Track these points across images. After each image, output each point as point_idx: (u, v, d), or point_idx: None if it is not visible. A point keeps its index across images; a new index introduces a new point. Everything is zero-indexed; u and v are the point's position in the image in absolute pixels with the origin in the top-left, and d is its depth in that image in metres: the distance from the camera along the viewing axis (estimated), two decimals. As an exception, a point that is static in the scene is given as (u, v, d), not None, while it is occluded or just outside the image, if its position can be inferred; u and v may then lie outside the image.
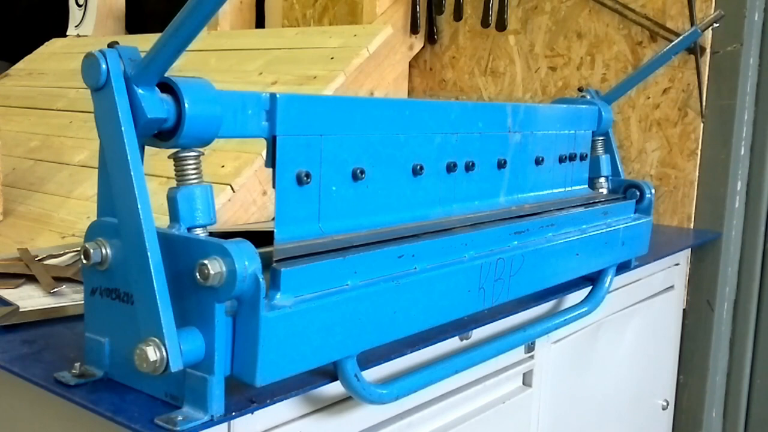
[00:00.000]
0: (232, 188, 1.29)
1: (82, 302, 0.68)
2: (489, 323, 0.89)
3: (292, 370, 0.62)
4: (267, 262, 0.60)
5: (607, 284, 1.08)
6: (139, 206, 0.57)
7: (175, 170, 0.62)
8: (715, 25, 1.29)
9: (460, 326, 0.84)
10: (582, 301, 1.06)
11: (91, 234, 0.64)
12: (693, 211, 1.51)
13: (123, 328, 0.63)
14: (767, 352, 1.52)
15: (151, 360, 0.55)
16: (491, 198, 0.95)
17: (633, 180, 1.19)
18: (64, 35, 2.52)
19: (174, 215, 0.61)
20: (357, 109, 0.75)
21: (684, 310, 1.53)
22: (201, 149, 0.63)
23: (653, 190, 1.17)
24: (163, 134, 0.61)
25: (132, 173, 0.58)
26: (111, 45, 0.60)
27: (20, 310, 0.81)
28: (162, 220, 0.61)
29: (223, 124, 0.62)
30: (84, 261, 0.63)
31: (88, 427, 0.66)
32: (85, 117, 1.81)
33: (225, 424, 0.62)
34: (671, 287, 1.43)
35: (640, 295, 1.32)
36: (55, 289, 0.88)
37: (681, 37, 1.23)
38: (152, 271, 0.57)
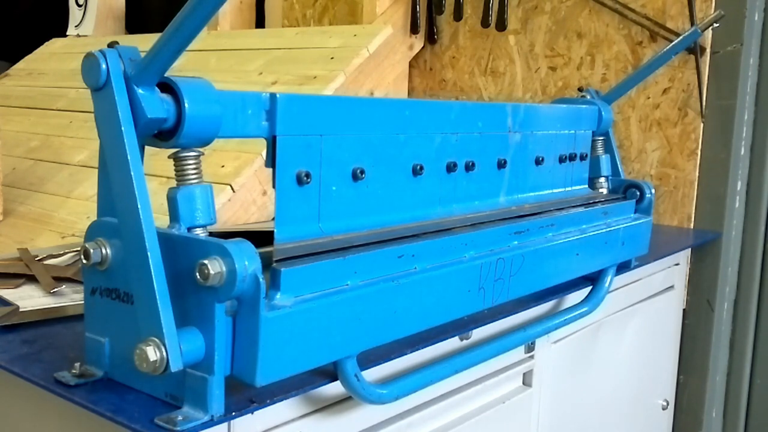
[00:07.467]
0: (232, 188, 1.29)
1: (82, 302, 0.68)
2: (489, 323, 0.89)
3: (292, 370, 0.62)
4: (267, 262, 0.60)
5: (607, 284, 1.08)
6: (139, 206, 0.57)
7: (175, 170, 0.62)
8: (715, 25, 1.29)
9: (460, 326, 0.84)
10: (582, 301, 1.06)
11: (91, 234, 0.64)
12: (693, 211, 1.51)
13: (123, 328, 0.63)
14: (767, 352, 1.52)
15: (151, 360, 0.55)
16: (491, 198, 0.95)
17: (633, 180, 1.19)
18: (64, 35, 2.52)
19: (174, 215, 0.61)
20: (357, 109, 0.75)
21: (684, 310, 1.53)
22: (201, 149, 0.63)
23: (653, 190, 1.17)
24: (163, 134, 0.61)
25: (132, 173, 0.58)
26: (111, 45, 0.60)
27: (20, 310, 0.81)
28: (162, 220, 0.61)
29: (223, 124, 0.62)
30: (84, 261, 0.63)
31: (88, 427, 0.66)
32: (85, 117, 1.81)
33: (225, 424, 0.62)
34: (671, 287, 1.43)
35: (640, 295, 1.32)
36: (55, 289, 0.88)
37: (681, 37, 1.24)
38: (152, 271, 0.57)
